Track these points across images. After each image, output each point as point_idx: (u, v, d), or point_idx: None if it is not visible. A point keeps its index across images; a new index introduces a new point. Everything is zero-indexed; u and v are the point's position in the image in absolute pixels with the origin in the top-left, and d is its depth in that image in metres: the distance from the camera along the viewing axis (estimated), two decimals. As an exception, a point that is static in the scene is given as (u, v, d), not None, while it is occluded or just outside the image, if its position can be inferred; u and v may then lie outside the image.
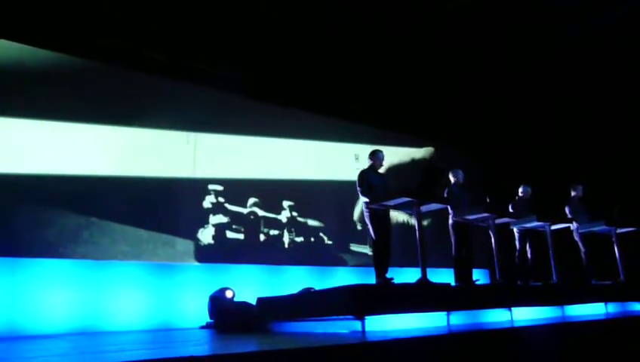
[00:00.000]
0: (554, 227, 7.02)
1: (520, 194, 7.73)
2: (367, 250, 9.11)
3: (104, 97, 7.41)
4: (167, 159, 7.85)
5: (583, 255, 7.78)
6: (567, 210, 7.82)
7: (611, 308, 6.28)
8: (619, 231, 7.50)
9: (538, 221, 6.75)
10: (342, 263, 9.19)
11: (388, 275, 5.57)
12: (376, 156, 5.95)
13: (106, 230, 7.09)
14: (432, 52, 8.98)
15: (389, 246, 5.72)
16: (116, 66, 7.61)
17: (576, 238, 7.79)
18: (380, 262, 5.62)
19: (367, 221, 5.68)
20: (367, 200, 5.54)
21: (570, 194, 8.01)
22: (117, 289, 6.91)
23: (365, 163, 6.04)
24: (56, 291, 6.47)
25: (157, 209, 7.59)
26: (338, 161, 9.71)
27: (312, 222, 9.11)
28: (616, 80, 9.51)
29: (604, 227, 7.40)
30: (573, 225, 7.63)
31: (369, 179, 5.73)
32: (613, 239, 7.52)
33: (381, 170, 6.02)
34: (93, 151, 7.21)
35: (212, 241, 7.99)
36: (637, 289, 6.93)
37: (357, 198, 5.80)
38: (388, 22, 8.16)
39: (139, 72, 7.80)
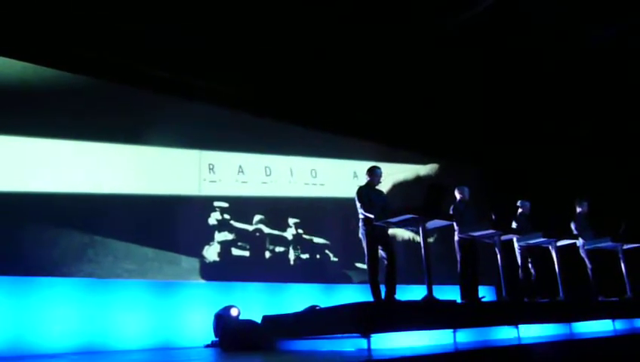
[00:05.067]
0: (560, 243, 6.99)
1: (520, 209, 7.69)
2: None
3: (108, 115, 7.45)
4: (172, 176, 7.88)
5: (589, 271, 7.72)
6: (572, 226, 7.79)
7: (619, 325, 6.22)
8: (625, 247, 7.46)
9: (544, 237, 6.73)
10: (348, 280, 9.17)
11: (395, 293, 5.54)
12: (374, 173, 5.87)
13: (111, 248, 7.10)
14: (436, 68, 9.03)
15: (391, 264, 5.60)
16: (121, 84, 7.67)
17: (583, 254, 7.75)
18: (375, 279, 5.56)
19: (363, 238, 5.62)
20: (370, 215, 5.49)
21: (576, 210, 7.98)
22: (122, 307, 6.89)
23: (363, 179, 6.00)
24: (61, 310, 6.47)
25: (162, 227, 7.60)
26: (343, 178, 9.72)
27: (317, 240, 9.10)
28: (623, 95, 9.53)
29: (610, 243, 7.36)
30: (579, 242, 7.59)
31: (368, 195, 5.69)
32: (620, 255, 7.48)
33: (379, 187, 5.97)
34: (98, 169, 7.25)
35: (217, 259, 7.99)
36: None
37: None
38: (392, 38, 8.23)
39: (143, 90, 7.85)
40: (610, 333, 5.51)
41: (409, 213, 4.92)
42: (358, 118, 9.85)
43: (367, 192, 5.72)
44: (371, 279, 5.57)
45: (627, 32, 8.25)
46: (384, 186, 6.00)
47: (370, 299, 5.51)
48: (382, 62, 8.76)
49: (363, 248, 5.63)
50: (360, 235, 5.67)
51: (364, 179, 5.95)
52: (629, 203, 9.13)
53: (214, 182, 8.27)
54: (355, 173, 9.82)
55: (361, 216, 5.62)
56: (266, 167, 8.86)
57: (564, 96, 9.86)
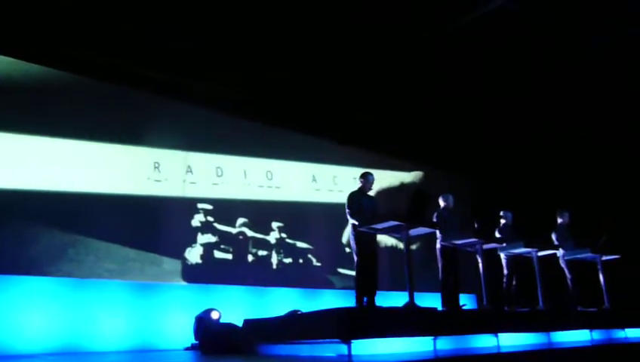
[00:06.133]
0: (541, 253, 7.07)
1: (502, 220, 7.77)
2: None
3: (92, 114, 7.36)
4: (155, 177, 7.82)
5: (569, 281, 7.82)
6: (553, 236, 7.88)
7: (596, 335, 6.30)
8: (604, 258, 7.57)
9: (525, 247, 6.80)
10: (330, 286, 9.17)
11: (375, 299, 5.57)
12: (366, 179, 5.94)
13: (92, 248, 7.01)
14: (422, 76, 9.09)
15: (374, 271, 5.68)
16: (105, 82, 7.56)
17: (563, 265, 7.84)
18: (361, 285, 5.60)
19: (353, 243, 5.68)
20: (355, 222, 5.55)
21: (557, 220, 8.07)
22: (102, 308, 6.81)
23: (354, 185, 6.05)
24: (40, 309, 6.37)
25: (144, 227, 7.53)
26: (327, 183, 9.73)
27: (300, 244, 9.09)
28: (605, 107, 9.67)
29: (589, 254, 7.46)
30: (560, 252, 7.68)
31: (358, 201, 5.74)
32: (599, 266, 7.58)
33: (370, 193, 6.04)
34: (80, 168, 7.16)
35: (200, 261, 7.94)
36: (621, 317, 6.98)
37: (346, 221, 5.79)
38: (379, 48, 8.26)
39: (127, 89, 7.75)
40: (588, 343, 5.58)
41: (393, 220, 4.94)
42: (345, 124, 9.86)
43: (358, 198, 5.77)
44: (357, 284, 5.61)
45: (621, 42, 8.35)
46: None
47: (352, 304, 5.52)
48: (369, 72, 8.79)
49: (346, 253, 5.65)
50: (350, 240, 5.72)
51: (356, 184, 6.01)
52: (608, 214, 9.25)
53: (199, 183, 8.22)
54: (313, 176, 9.65)
55: (351, 222, 5.67)
56: (253, 170, 8.83)
57: (552, 107, 9.97)
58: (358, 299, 5.55)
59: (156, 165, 7.91)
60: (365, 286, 5.61)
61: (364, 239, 5.60)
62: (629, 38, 8.17)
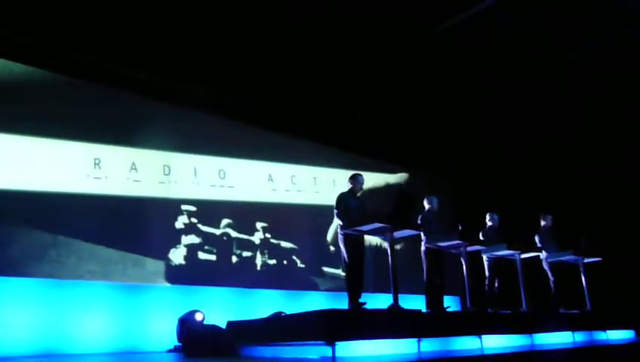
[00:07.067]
0: (524, 256, 7.12)
1: (488, 222, 7.82)
2: (339, 272, 9.07)
3: (73, 113, 7.25)
4: (139, 177, 7.74)
5: (551, 284, 7.89)
6: (536, 239, 7.95)
7: (578, 337, 6.37)
8: (586, 261, 7.65)
9: (508, 249, 6.85)
10: (314, 287, 9.14)
11: (361, 300, 5.58)
12: (356, 180, 5.99)
13: (74, 249, 6.91)
14: (407, 79, 9.12)
15: (362, 271, 5.73)
16: (87, 82, 7.46)
17: (546, 267, 7.91)
18: (353, 286, 5.62)
19: (341, 244, 5.70)
20: (341, 222, 5.57)
21: (540, 223, 8.14)
22: (84, 310, 6.72)
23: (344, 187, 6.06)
24: (20, 311, 6.26)
25: (128, 228, 7.45)
26: (312, 184, 9.71)
27: (285, 245, 9.06)
28: (587, 112, 9.79)
29: (571, 256, 7.54)
30: (543, 255, 7.75)
31: (347, 202, 5.75)
32: (581, 269, 7.66)
33: (359, 195, 6.05)
34: (62, 168, 7.07)
35: (183, 262, 7.88)
36: (603, 319, 7.06)
37: (330, 222, 5.80)
38: (364, 51, 8.27)
39: (110, 89, 7.64)
40: (570, 345, 5.63)
41: (378, 222, 4.94)
42: (330, 126, 9.85)
43: (347, 199, 5.78)
44: (350, 285, 5.61)
45: (599, 50, 8.45)
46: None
47: (336, 306, 5.52)
48: (355, 74, 8.79)
49: (332, 254, 5.65)
50: (338, 241, 5.73)
51: (346, 186, 6.02)
52: (590, 217, 9.35)
53: (182, 184, 8.16)
54: (270, 175, 9.33)
55: (340, 223, 5.68)
56: (237, 171, 8.78)
57: (533, 110, 10.06)
58: (352, 300, 5.56)
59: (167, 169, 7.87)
60: (357, 287, 5.62)
61: (353, 240, 5.63)
62: (617, 42, 8.27)
